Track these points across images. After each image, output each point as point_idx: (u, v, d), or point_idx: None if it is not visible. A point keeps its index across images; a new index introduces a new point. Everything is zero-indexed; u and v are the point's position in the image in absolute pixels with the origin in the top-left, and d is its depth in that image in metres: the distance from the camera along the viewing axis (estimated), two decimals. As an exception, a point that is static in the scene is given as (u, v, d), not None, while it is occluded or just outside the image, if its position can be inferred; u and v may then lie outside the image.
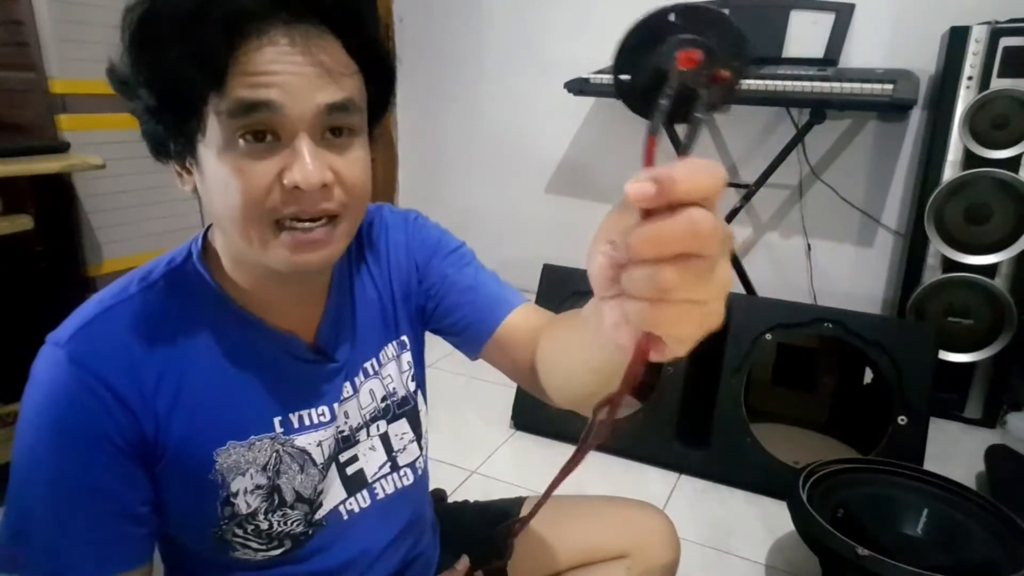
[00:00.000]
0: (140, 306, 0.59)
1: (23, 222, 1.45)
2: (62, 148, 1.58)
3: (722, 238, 0.29)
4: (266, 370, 0.64)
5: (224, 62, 0.50)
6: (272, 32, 0.51)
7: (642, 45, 0.32)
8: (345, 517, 0.71)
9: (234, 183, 0.53)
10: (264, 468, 0.63)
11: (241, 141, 0.52)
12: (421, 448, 0.79)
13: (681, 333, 0.31)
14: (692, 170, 0.29)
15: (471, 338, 0.76)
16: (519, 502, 0.93)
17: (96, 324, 0.57)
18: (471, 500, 0.98)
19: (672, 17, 0.30)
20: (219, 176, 0.53)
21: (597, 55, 2.53)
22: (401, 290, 0.76)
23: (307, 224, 0.55)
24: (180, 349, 0.59)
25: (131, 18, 0.50)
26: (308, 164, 0.52)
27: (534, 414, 1.90)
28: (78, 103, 1.67)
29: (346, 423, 0.71)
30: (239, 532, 0.64)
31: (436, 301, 0.77)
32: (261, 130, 0.52)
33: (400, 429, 0.77)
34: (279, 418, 0.65)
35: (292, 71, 0.51)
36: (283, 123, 0.52)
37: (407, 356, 0.78)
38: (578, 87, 2.26)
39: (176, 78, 0.50)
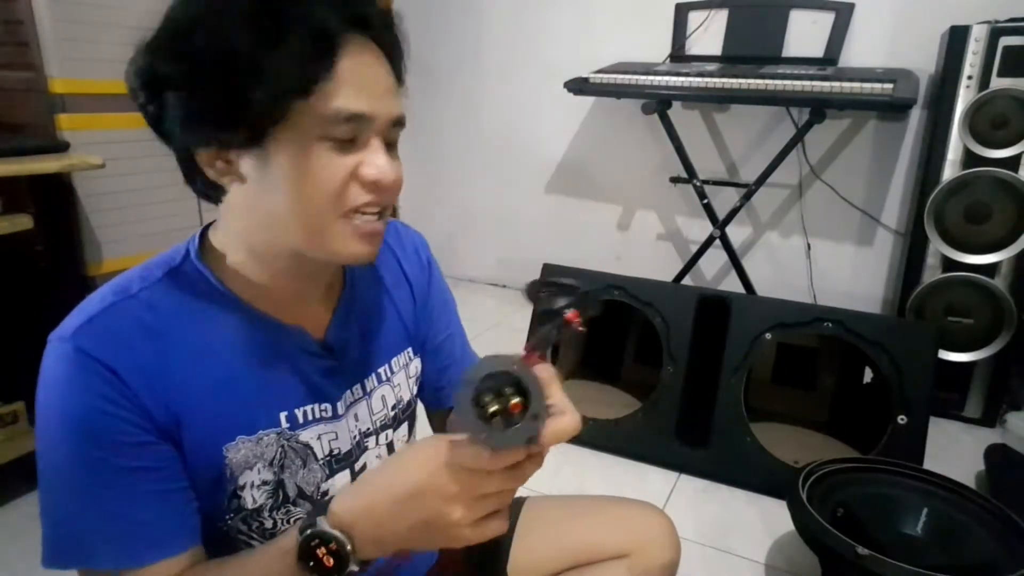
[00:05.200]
0: (143, 304, 0.59)
1: (23, 222, 1.45)
2: (62, 148, 1.58)
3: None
4: (272, 365, 0.65)
5: (327, 67, 0.54)
6: (358, 43, 0.57)
7: (557, 293, 0.59)
8: None
9: (312, 176, 0.56)
10: (271, 463, 0.64)
11: (327, 141, 0.56)
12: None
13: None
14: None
15: (440, 404, 0.85)
16: (519, 502, 0.93)
17: (99, 319, 0.57)
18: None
19: (572, 287, 0.59)
20: (294, 170, 0.56)
21: (597, 55, 2.53)
22: (414, 309, 0.80)
23: (371, 216, 0.60)
24: (186, 345, 0.60)
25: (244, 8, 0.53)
26: (385, 162, 0.59)
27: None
28: (78, 103, 1.66)
29: (356, 425, 0.72)
30: (243, 529, 0.64)
31: (420, 348, 0.83)
32: (349, 136, 0.57)
33: (402, 434, 0.79)
34: (285, 413, 0.65)
35: (379, 84, 0.58)
36: (367, 130, 0.58)
37: (417, 363, 0.81)
38: (578, 87, 2.26)
39: (278, 75, 0.53)
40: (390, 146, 0.61)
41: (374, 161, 0.58)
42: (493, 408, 0.45)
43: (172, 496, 0.58)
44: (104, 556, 0.56)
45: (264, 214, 0.59)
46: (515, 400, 0.45)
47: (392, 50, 0.61)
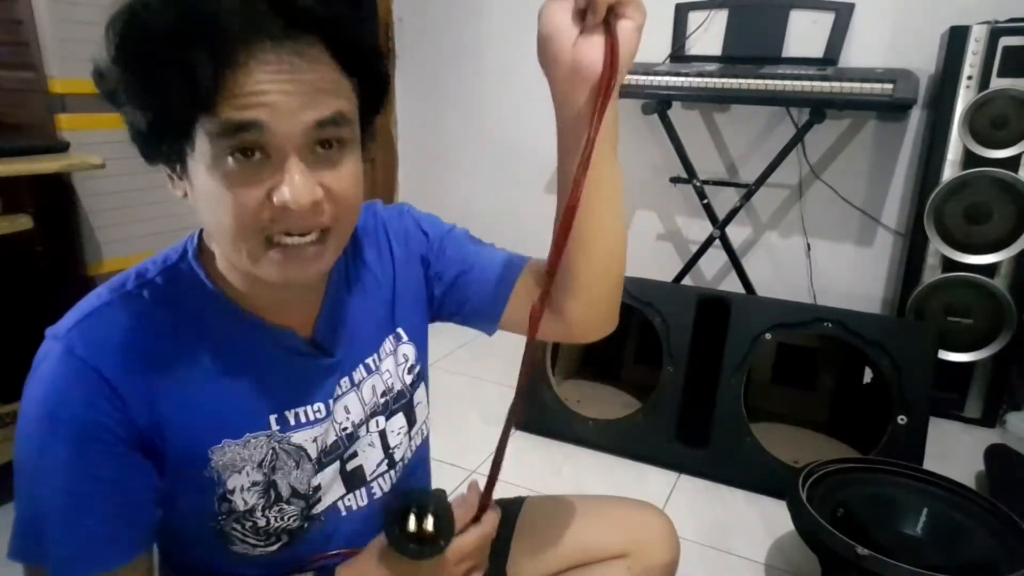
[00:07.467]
0: (137, 303, 0.60)
1: (23, 222, 1.45)
2: (62, 148, 1.58)
3: None
4: (262, 367, 0.64)
5: (212, 85, 0.49)
6: (259, 52, 0.50)
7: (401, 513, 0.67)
8: (343, 513, 0.72)
9: (224, 201, 0.53)
10: (260, 465, 0.64)
11: (230, 159, 0.51)
12: (411, 437, 0.79)
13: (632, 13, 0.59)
14: None
15: (490, 312, 0.78)
16: (519, 501, 0.93)
17: (93, 318, 0.58)
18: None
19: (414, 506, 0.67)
20: (208, 192, 0.53)
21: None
22: (405, 282, 0.78)
23: (297, 239, 0.55)
24: (176, 347, 0.60)
25: (114, 35, 0.50)
26: (297, 184, 0.52)
27: (534, 414, 1.91)
28: (78, 103, 1.67)
29: (347, 418, 0.72)
30: (237, 527, 0.65)
31: (444, 285, 0.79)
32: (250, 148, 0.52)
33: (397, 424, 0.77)
34: (275, 415, 0.65)
35: (280, 91, 0.51)
36: (271, 142, 0.52)
37: (404, 348, 0.78)
38: (578, 87, 2.26)
39: (163, 101, 0.50)
40: (326, 144, 0.55)
41: (283, 183, 0.52)
42: (411, 530, 0.64)
43: (131, 510, 0.59)
44: (54, 559, 0.56)
45: (205, 229, 0.59)
46: (428, 525, 0.65)
47: (327, 41, 0.53)
